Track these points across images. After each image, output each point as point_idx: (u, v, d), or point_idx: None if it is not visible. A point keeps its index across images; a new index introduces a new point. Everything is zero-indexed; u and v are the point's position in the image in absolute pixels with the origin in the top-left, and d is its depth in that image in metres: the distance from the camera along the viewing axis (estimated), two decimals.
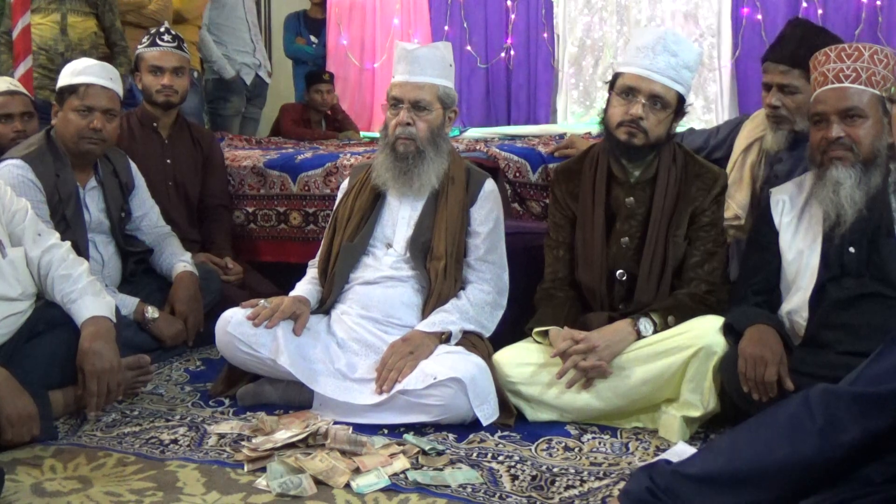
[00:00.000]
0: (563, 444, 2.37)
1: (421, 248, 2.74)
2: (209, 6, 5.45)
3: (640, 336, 2.47)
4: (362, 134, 6.02)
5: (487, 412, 2.45)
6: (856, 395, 1.53)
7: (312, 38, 6.82)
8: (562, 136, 4.25)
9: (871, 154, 2.30)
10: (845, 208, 2.29)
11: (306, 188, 3.84)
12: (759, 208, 2.68)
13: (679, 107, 2.60)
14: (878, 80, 2.31)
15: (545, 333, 2.58)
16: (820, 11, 5.52)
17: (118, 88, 3.14)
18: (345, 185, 2.98)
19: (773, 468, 1.56)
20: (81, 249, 2.94)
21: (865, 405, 1.52)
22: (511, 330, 2.75)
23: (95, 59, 3.30)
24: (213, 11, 5.49)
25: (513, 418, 2.51)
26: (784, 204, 2.50)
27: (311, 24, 6.85)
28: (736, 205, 2.93)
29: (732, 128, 3.20)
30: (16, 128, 3.44)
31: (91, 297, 2.55)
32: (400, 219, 2.80)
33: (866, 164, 2.30)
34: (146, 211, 3.40)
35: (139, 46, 3.77)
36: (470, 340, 2.64)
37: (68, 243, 2.68)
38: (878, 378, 1.53)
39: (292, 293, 2.81)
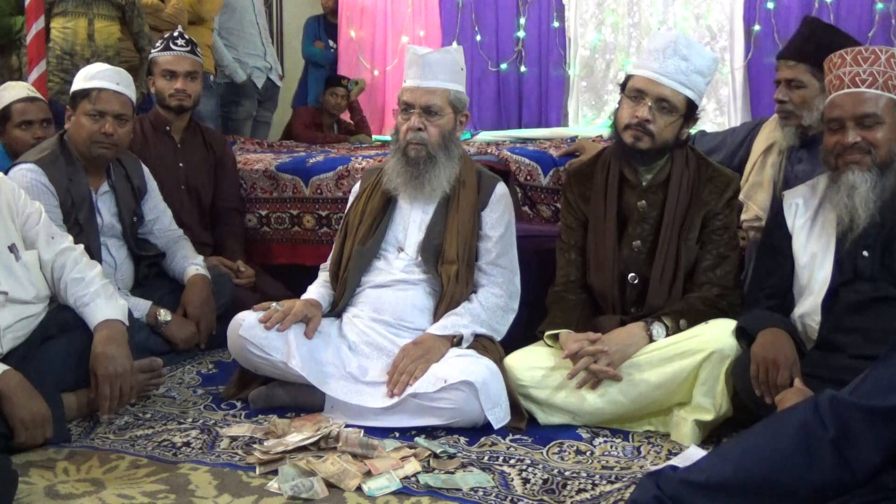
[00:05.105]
0: (575, 448, 2.36)
1: (432, 252, 2.74)
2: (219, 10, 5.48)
3: (651, 339, 2.47)
4: (374, 137, 6.04)
5: (499, 415, 2.45)
6: (867, 409, 1.52)
7: (331, 43, 6.84)
8: (573, 139, 4.25)
9: (888, 158, 2.28)
10: (859, 212, 2.27)
11: (318, 191, 3.85)
12: (772, 211, 2.67)
13: (689, 112, 2.59)
14: (894, 83, 2.28)
15: (557, 336, 2.58)
16: (832, 16, 5.50)
17: (130, 93, 3.15)
18: (356, 188, 2.99)
19: (786, 479, 1.55)
20: (94, 253, 2.95)
21: (877, 418, 1.51)
22: (522, 333, 2.75)
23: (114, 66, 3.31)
24: (223, 16, 5.51)
25: (524, 422, 2.51)
26: (797, 207, 2.49)
27: (329, 28, 6.88)
28: (756, 206, 2.92)
29: (751, 129, 3.20)
30: (36, 134, 3.43)
31: (104, 300, 2.56)
32: (411, 223, 2.80)
33: (882, 167, 2.28)
34: (158, 215, 3.41)
35: (153, 50, 3.79)
36: (481, 344, 2.64)
37: (81, 246, 2.69)
38: (885, 387, 1.52)
39: (304, 296, 2.82)
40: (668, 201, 2.62)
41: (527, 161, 3.63)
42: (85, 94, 3.07)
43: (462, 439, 2.40)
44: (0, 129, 3.51)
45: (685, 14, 6.03)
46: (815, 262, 2.40)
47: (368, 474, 2.13)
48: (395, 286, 2.75)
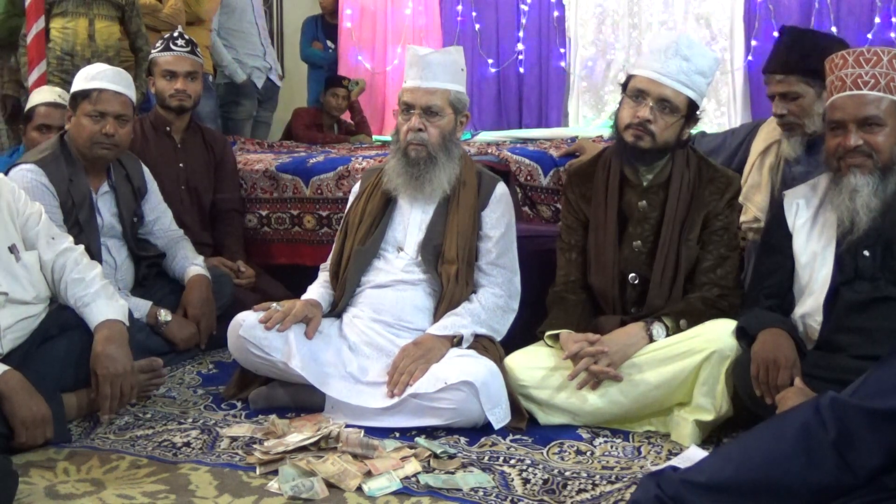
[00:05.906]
0: (575, 448, 2.36)
1: (432, 252, 2.74)
2: (219, 11, 5.47)
3: (652, 340, 2.47)
4: (374, 138, 6.04)
5: (499, 416, 2.45)
6: (868, 410, 1.52)
7: (329, 44, 6.83)
8: (573, 139, 4.25)
9: (890, 161, 2.27)
10: (860, 215, 2.26)
11: (319, 191, 3.85)
12: (772, 211, 2.67)
13: (690, 112, 2.59)
14: None
15: (557, 337, 2.58)
16: (832, 16, 5.50)
17: (131, 94, 3.16)
18: (356, 188, 2.99)
19: (786, 480, 1.55)
20: (94, 253, 2.95)
21: (878, 420, 1.51)
22: (523, 333, 2.75)
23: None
24: (222, 16, 5.52)
25: (524, 422, 2.50)
26: (798, 207, 2.48)
27: (327, 28, 6.87)
28: (755, 207, 2.92)
29: (750, 130, 3.19)
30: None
31: (104, 300, 2.56)
32: (411, 223, 2.80)
33: (884, 170, 2.26)
34: (158, 215, 3.41)
35: (153, 51, 3.79)
36: (482, 344, 2.64)
37: (81, 247, 2.69)
38: (886, 389, 1.52)
39: (304, 296, 2.81)
40: (668, 201, 2.62)
41: (527, 161, 3.63)
42: (85, 94, 3.07)
43: (462, 439, 2.40)
44: (23, 129, 3.52)
45: (685, 14, 6.03)
46: (815, 261, 2.40)
47: (368, 474, 2.13)
48: (395, 286, 2.75)
